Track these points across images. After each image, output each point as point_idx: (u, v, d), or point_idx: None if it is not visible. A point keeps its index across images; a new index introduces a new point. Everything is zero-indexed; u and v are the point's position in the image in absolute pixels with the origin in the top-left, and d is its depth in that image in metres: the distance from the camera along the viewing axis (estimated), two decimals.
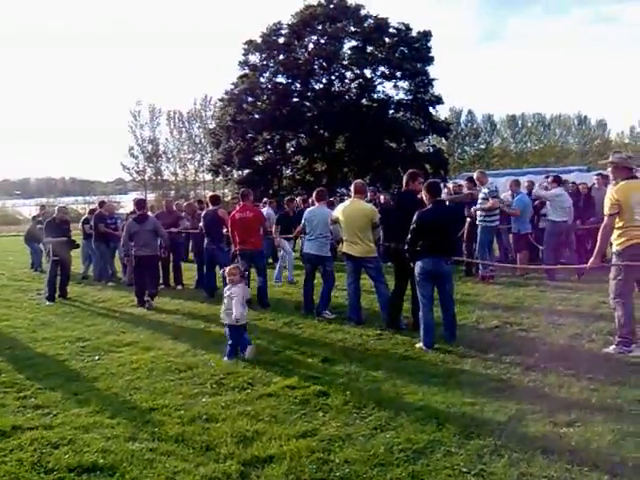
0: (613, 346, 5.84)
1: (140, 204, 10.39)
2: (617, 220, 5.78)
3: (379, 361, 5.82)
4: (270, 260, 13.51)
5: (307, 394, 4.96)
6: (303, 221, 8.63)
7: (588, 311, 7.53)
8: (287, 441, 4.02)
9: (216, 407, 4.76)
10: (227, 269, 6.60)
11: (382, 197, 14.49)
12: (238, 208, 9.44)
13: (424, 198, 6.54)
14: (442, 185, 11.45)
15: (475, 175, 10.85)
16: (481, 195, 10.31)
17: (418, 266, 6.34)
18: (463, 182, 13.21)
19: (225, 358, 6.18)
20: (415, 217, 6.36)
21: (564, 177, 15.30)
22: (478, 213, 10.32)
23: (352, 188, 7.90)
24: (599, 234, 5.97)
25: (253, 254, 9.17)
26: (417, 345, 6.29)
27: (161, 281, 11.10)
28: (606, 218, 5.85)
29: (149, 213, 11.27)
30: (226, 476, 3.59)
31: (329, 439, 4.03)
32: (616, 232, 5.82)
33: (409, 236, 6.36)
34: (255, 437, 4.13)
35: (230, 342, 6.28)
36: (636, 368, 5.21)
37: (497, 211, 10.32)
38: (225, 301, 6.38)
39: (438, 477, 3.45)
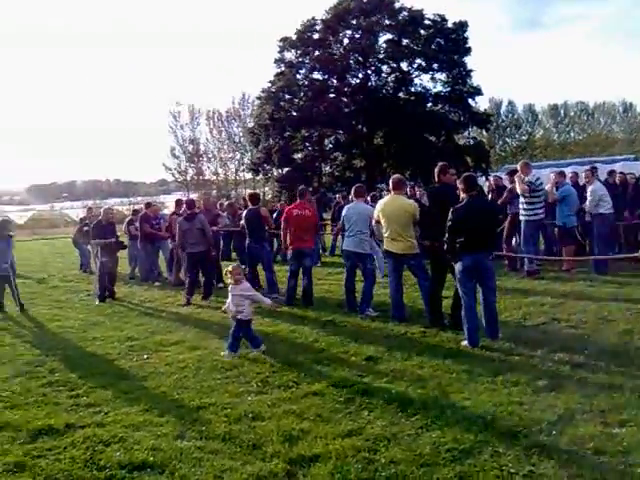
0: None
1: (189, 204, 10.75)
2: None
3: (424, 359, 5.79)
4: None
5: (352, 393, 4.97)
6: (342, 218, 8.64)
7: (637, 305, 7.32)
8: (332, 440, 4.04)
9: (262, 405, 4.82)
10: (229, 269, 6.71)
11: (418, 192, 14.32)
12: (294, 205, 9.46)
13: (460, 192, 6.48)
14: (484, 179, 11.34)
15: (519, 165, 10.59)
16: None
17: (459, 263, 6.27)
18: (504, 176, 13.00)
19: (226, 352, 6.39)
20: (450, 213, 6.28)
21: (610, 167, 14.98)
22: (521, 207, 10.10)
23: (390, 184, 7.87)
24: None
25: (305, 253, 9.20)
26: (462, 343, 6.23)
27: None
28: None
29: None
30: (272, 475, 3.64)
31: (374, 438, 4.04)
32: None
33: (446, 233, 6.30)
34: (301, 436, 4.16)
35: (235, 336, 6.48)
36: None
37: (541, 204, 10.07)
38: (231, 299, 6.52)
39: (486, 478, 3.42)
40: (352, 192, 8.82)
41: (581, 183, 11.83)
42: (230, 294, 6.58)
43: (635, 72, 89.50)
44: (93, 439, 4.37)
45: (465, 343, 6.21)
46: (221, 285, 11.43)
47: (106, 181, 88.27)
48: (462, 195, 6.44)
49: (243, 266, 8.88)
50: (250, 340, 6.51)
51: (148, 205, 13.85)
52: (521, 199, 10.09)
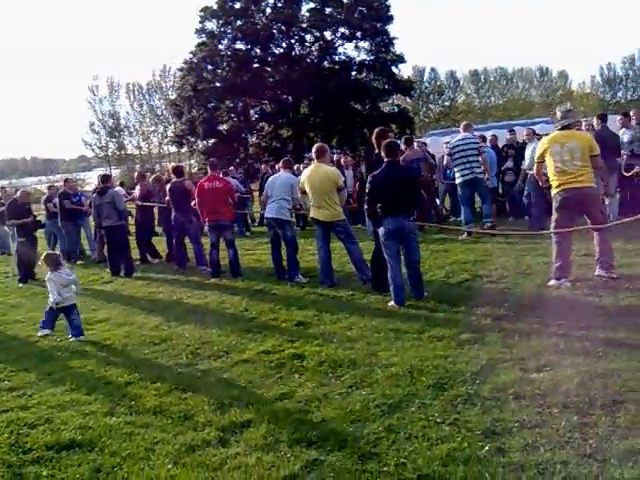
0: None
1: (103, 178, 10.71)
2: None
3: (352, 321, 5.88)
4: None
5: (282, 358, 5.01)
6: (266, 187, 8.58)
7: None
8: (264, 405, 4.07)
9: (192, 377, 4.79)
10: (43, 256, 6.77)
11: (343, 159, 14.39)
12: (206, 178, 9.32)
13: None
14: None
15: (461, 126, 10.85)
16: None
17: (382, 227, 6.39)
18: (428, 140, 13.26)
19: (41, 332, 6.61)
20: (368, 180, 6.47)
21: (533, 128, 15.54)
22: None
23: (313, 152, 7.86)
24: None
25: (223, 226, 9.06)
26: (389, 303, 6.37)
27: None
28: None
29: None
30: (205, 443, 3.62)
31: (306, 400, 4.09)
32: None
33: (365, 198, 6.45)
34: (232, 403, 4.16)
35: (44, 319, 6.70)
36: (602, 312, 5.34)
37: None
38: (53, 286, 6.49)
39: (414, 429, 3.52)
40: (280, 164, 8.88)
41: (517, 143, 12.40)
42: (50, 281, 6.47)
43: (550, 38, 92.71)
44: (17, 422, 4.24)
45: (392, 303, 6.34)
46: (156, 261, 11.21)
47: (22, 159, 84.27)
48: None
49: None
50: (72, 326, 6.43)
51: (66, 181, 13.29)
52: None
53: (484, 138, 12.22)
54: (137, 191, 11.79)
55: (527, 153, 10.75)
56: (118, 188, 14.54)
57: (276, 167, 14.87)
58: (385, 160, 6.45)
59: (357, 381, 4.34)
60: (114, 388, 4.75)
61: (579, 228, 6.73)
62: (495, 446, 3.22)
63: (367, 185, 6.45)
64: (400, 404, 3.87)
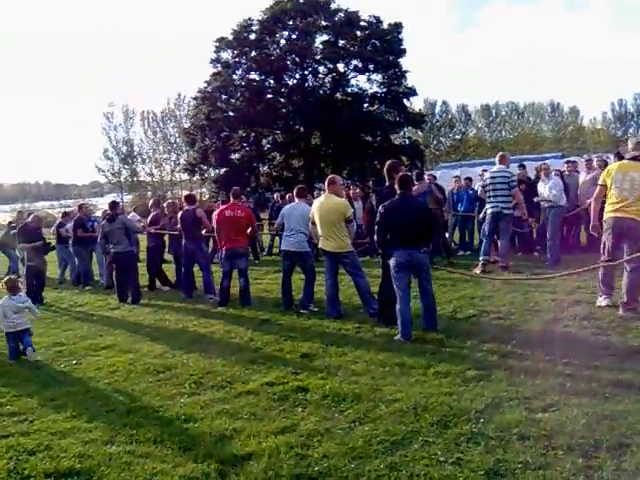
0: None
1: (111, 205, 10.70)
2: None
3: (358, 354, 5.84)
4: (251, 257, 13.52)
5: (286, 390, 4.96)
6: (280, 217, 8.61)
7: (563, 297, 7.61)
8: (266, 438, 4.02)
9: (194, 407, 4.74)
10: (5, 280, 7.08)
11: (352, 191, 14.43)
12: (227, 206, 9.34)
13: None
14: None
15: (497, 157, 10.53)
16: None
17: (392, 259, 6.41)
18: (439, 173, 13.31)
19: (9, 360, 6.69)
20: (378, 212, 6.53)
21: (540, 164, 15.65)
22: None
23: (325, 183, 7.92)
24: None
25: (239, 254, 9.09)
26: (395, 337, 6.33)
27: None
28: None
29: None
30: (205, 475, 3.58)
31: (308, 434, 4.04)
32: None
33: (376, 228, 6.50)
34: (234, 435, 4.12)
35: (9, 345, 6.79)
36: (610, 351, 5.29)
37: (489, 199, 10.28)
38: (6, 311, 6.78)
39: (416, 467, 3.48)
40: (294, 192, 8.81)
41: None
42: (1, 307, 6.76)
43: (562, 74, 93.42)
44: (17, 448, 4.20)
45: (398, 337, 6.30)
46: (166, 288, 11.23)
47: (35, 184, 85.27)
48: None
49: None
50: (24, 343, 6.74)
51: (81, 207, 13.38)
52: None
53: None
54: (149, 217, 11.84)
55: (542, 188, 10.76)
56: (132, 214, 14.67)
57: (287, 197, 15.00)
58: (398, 192, 6.51)
59: (360, 416, 4.29)
60: (116, 416, 4.72)
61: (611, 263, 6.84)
62: None
63: (377, 215, 6.50)
64: (403, 441, 3.83)
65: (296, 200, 8.61)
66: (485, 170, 13.71)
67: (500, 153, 10.70)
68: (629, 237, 6.68)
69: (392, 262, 6.43)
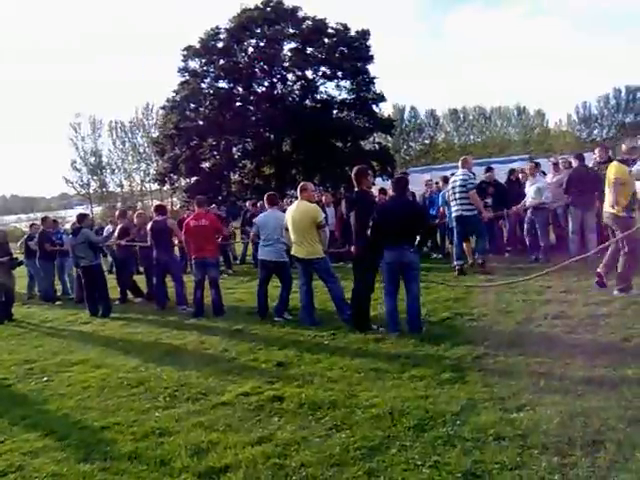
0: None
1: (79, 218, 10.55)
2: None
3: (333, 361, 5.83)
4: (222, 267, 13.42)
5: (262, 400, 4.93)
6: (255, 227, 8.56)
7: (534, 297, 7.71)
8: (242, 449, 3.99)
9: (170, 420, 4.68)
10: None
11: (324, 197, 14.43)
12: (193, 215, 9.28)
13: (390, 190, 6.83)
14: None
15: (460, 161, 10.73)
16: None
17: (385, 257, 6.61)
18: (409, 178, 13.35)
19: None
20: (375, 211, 6.76)
21: (509, 166, 15.89)
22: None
23: (298, 190, 7.92)
24: None
25: (208, 263, 9.03)
26: (381, 329, 6.76)
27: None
28: None
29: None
30: None
31: (285, 444, 4.02)
32: None
33: (370, 232, 6.69)
34: (210, 447, 4.08)
35: None
36: (581, 349, 5.36)
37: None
38: None
39: (394, 472, 3.48)
40: (265, 200, 8.68)
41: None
42: None
43: (527, 78, 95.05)
44: None
45: (382, 329, 6.69)
46: (138, 300, 11.10)
47: (2, 196, 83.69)
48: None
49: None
50: None
51: (44, 220, 13.04)
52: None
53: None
54: (117, 229, 11.67)
55: (530, 189, 10.87)
56: (108, 227, 14.46)
57: (258, 205, 14.96)
58: (393, 194, 6.90)
59: (337, 423, 4.28)
60: (89, 433, 4.64)
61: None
62: None
63: (372, 217, 6.71)
64: (380, 447, 3.83)
65: (268, 208, 8.56)
66: (446, 177, 13.91)
67: (462, 157, 11.02)
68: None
69: (383, 261, 6.67)
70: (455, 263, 10.28)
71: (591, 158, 11.23)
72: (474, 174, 10.64)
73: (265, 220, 8.33)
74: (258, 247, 8.63)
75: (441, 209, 12.40)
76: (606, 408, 4.01)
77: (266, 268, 8.35)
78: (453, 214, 10.46)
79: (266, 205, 8.61)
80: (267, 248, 8.19)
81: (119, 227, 11.49)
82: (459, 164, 10.65)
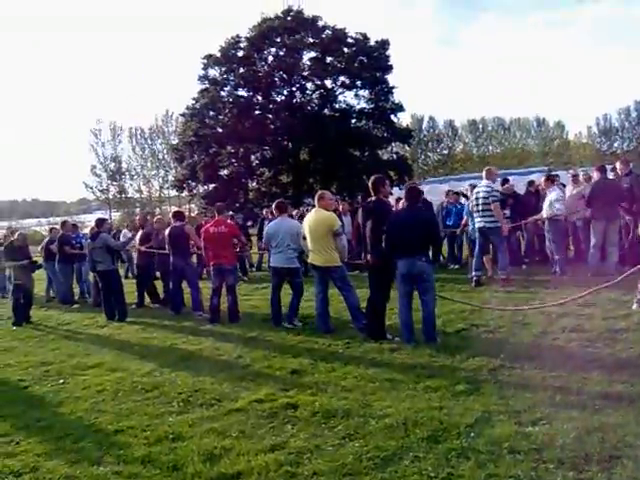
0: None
1: (97, 222, 10.54)
2: None
3: (347, 370, 5.80)
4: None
5: (275, 407, 4.92)
6: (266, 235, 8.57)
7: (553, 309, 7.62)
8: (255, 456, 3.98)
9: (183, 425, 4.69)
10: None
11: (340, 206, 14.38)
12: (212, 222, 9.33)
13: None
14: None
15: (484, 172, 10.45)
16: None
17: (398, 267, 6.65)
18: (427, 188, 13.32)
19: None
20: (388, 221, 6.79)
21: (528, 178, 15.73)
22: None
23: (315, 198, 7.93)
24: None
25: (225, 269, 9.06)
26: (396, 339, 6.76)
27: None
28: None
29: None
30: None
31: (297, 451, 4.01)
32: None
33: (384, 238, 6.74)
34: (223, 454, 4.08)
35: None
36: (599, 364, 5.29)
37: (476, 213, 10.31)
38: None
39: None
40: (275, 208, 8.69)
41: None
42: None
43: (547, 89, 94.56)
44: (3, 470, 4.16)
45: (397, 339, 6.71)
46: (156, 305, 11.16)
47: (23, 201, 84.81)
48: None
49: None
50: None
51: (64, 224, 13.20)
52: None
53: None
54: (138, 234, 11.75)
55: (546, 201, 10.65)
56: (124, 231, 14.62)
57: (265, 212, 14.98)
58: (405, 204, 6.95)
59: (350, 432, 4.26)
60: (103, 436, 4.66)
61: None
62: None
63: (386, 227, 6.75)
64: (393, 457, 3.80)
65: (277, 216, 8.55)
66: (473, 185, 13.80)
67: (486, 168, 10.74)
68: None
69: (397, 271, 6.70)
70: (473, 274, 10.18)
71: (609, 171, 11.06)
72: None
73: (275, 228, 8.35)
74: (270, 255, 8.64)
75: (464, 219, 12.16)
76: (623, 424, 3.95)
77: (278, 275, 8.37)
78: (476, 225, 10.29)
79: (276, 213, 8.64)
80: (278, 255, 8.22)
81: (140, 233, 11.54)
82: (483, 174, 10.45)
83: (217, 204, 9.78)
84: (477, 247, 10.41)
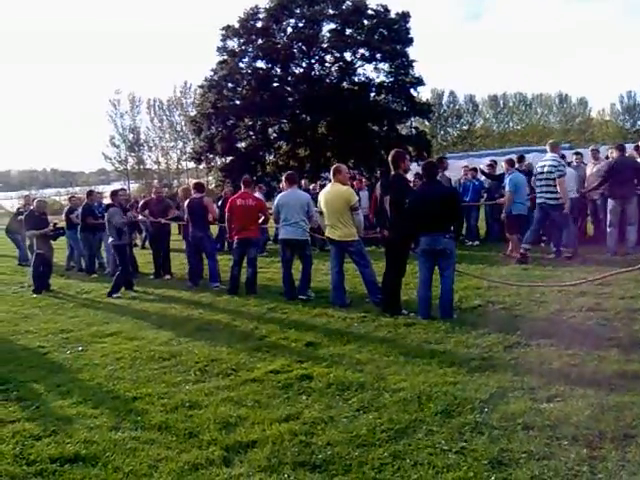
0: None
1: (111, 194, 10.65)
2: None
3: (362, 343, 5.84)
4: None
5: (290, 378, 4.98)
6: (276, 206, 8.55)
7: (569, 288, 7.57)
8: (270, 425, 4.03)
9: (199, 394, 4.76)
10: None
11: (355, 182, 14.27)
12: (238, 194, 9.31)
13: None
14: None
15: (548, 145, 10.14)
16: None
17: (419, 243, 6.68)
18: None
19: None
20: (409, 198, 6.77)
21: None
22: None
23: (331, 172, 7.89)
24: None
25: (250, 243, 9.09)
26: (411, 314, 6.78)
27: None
28: None
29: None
30: (209, 462, 3.60)
31: (312, 422, 4.05)
32: None
33: (407, 214, 6.70)
34: (238, 422, 4.14)
35: None
36: (615, 342, 5.26)
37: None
38: None
39: (420, 456, 3.48)
40: (285, 179, 8.73)
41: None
42: None
43: (570, 65, 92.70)
44: (23, 433, 4.23)
45: (412, 314, 6.76)
46: (167, 277, 11.24)
47: (42, 171, 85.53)
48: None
49: None
50: None
51: (90, 194, 13.26)
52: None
53: (512, 162, 11.35)
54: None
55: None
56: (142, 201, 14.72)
57: (282, 186, 14.91)
58: (423, 180, 6.99)
59: (364, 405, 4.30)
60: (121, 402, 4.75)
61: None
62: (501, 477, 3.17)
63: (407, 203, 6.73)
64: (407, 430, 3.83)
65: (288, 187, 8.54)
66: (493, 160, 13.63)
67: (551, 141, 10.38)
68: None
69: (419, 247, 6.72)
70: (522, 245, 9.82)
71: (629, 150, 10.83)
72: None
73: (286, 200, 8.35)
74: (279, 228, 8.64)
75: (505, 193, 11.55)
76: (639, 403, 3.94)
77: (288, 247, 8.39)
78: (537, 200, 9.85)
79: (285, 185, 8.62)
80: (288, 227, 8.23)
81: (142, 202, 11.68)
82: (547, 148, 10.06)
83: (244, 176, 9.74)
84: (535, 221, 10.00)
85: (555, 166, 9.51)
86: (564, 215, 9.68)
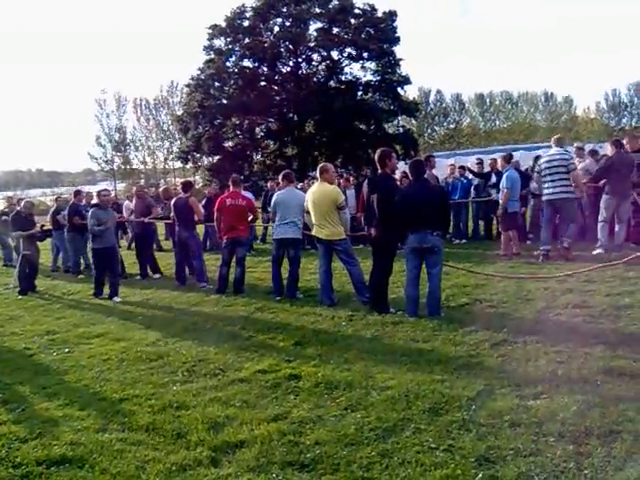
0: None
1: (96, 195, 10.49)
2: None
3: (350, 342, 5.85)
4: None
5: (278, 378, 4.97)
6: (273, 205, 8.54)
7: (555, 285, 7.63)
8: (258, 425, 4.03)
9: (187, 395, 4.74)
10: None
11: (342, 181, 14.27)
12: (228, 194, 9.24)
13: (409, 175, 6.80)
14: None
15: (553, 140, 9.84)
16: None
17: (407, 241, 6.67)
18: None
19: None
20: (396, 197, 6.76)
21: (535, 153, 15.58)
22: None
23: (317, 171, 7.89)
24: None
25: (239, 242, 9.05)
26: (398, 312, 6.80)
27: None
28: None
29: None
30: (197, 462, 3.59)
31: (300, 421, 4.05)
32: None
33: (396, 213, 6.67)
34: (226, 423, 4.13)
35: None
36: (602, 339, 5.30)
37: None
38: None
39: (407, 454, 3.49)
40: (281, 178, 8.72)
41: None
42: None
43: (556, 63, 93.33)
44: (9, 436, 4.20)
45: (400, 312, 6.76)
46: (157, 276, 11.19)
47: (28, 171, 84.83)
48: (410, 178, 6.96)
49: None
50: None
51: (77, 193, 13.14)
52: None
53: (508, 158, 11.06)
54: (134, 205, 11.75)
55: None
56: (126, 202, 14.63)
57: (269, 185, 14.91)
58: (411, 178, 6.97)
59: (352, 403, 4.30)
60: (108, 404, 4.72)
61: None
62: (488, 474, 3.19)
63: (395, 201, 6.72)
64: (395, 428, 3.84)
65: (284, 186, 8.53)
66: (480, 159, 13.69)
67: (556, 136, 10.13)
68: None
69: (407, 245, 6.72)
70: (542, 248, 9.65)
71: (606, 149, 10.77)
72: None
73: (283, 198, 8.33)
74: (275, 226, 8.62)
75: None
76: (624, 399, 3.97)
77: (282, 246, 8.37)
78: (547, 196, 9.53)
79: (283, 183, 8.61)
80: (284, 227, 8.22)
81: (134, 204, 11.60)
82: (552, 143, 9.82)
83: (233, 175, 9.67)
84: (545, 220, 9.83)
85: (566, 159, 9.35)
86: (575, 209, 9.62)
